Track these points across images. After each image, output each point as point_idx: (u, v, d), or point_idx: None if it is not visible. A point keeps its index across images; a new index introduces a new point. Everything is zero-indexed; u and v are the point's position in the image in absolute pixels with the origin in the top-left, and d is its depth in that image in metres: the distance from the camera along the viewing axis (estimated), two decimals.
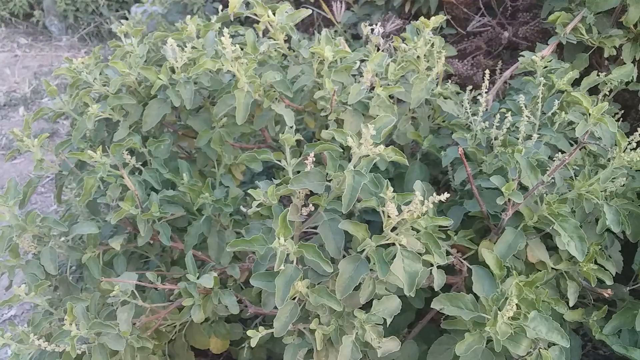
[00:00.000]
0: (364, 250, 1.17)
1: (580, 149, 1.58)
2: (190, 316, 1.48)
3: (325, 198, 1.19)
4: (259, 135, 2.24)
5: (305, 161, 1.19)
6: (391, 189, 1.08)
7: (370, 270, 1.20)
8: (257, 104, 1.64)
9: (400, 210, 1.09)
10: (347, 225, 1.14)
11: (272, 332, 1.27)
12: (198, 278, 1.41)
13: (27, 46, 5.64)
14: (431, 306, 1.38)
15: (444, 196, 1.07)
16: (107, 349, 1.33)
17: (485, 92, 1.65)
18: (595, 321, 1.66)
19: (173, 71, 1.63)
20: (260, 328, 1.23)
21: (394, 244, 1.18)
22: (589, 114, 1.44)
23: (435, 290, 1.42)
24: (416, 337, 1.72)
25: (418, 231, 1.18)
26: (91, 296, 1.47)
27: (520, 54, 1.88)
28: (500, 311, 1.32)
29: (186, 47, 1.67)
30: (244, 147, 1.85)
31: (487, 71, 1.66)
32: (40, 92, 4.65)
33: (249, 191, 1.23)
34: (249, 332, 1.22)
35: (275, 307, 1.31)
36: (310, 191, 1.26)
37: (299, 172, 1.22)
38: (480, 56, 2.71)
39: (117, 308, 1.43)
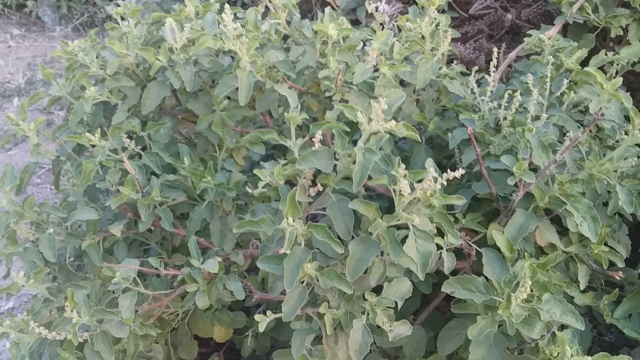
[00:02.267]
0: (373, 231, 1.13)
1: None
2: (193, 304, 1.44)
3: (334, 178, 1.15)
4: (260, 121, 2.20)
5: (313, 139, 1.15)
6: (403, 166, 1.04)
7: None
8: (259, 86, 1.60)
9: (412, 189, 1.06)
10: (357, 205, 1.10)
11: (277, 321, 1.23)
12: (202, 263, 1.37)
13: (20, 37, 5.56)
14: (441, 290, 1.35)
15: (459, 172, 1.03)
16: (110, 336, 1.30)
17: (494, 71, 1.61)
18: (606, 305, 1.63)
19: (172, 52, 1.58)
20: (268, 313, 1.20)
21: (405, 226, 1.15)
22: (603, 90, 1.40)
23: (446, 273, 1.39)
24: (422, 324, 1.69)
25: (430, 210, 1.15)
26: (92, 284, 1.43)
27: (527, 32, 1.84)
28: (513, 294, 1.28)
29: (185, 28, 1.62)
30: (244, 132, 1.81)
31: (494, 49, 1.62)
32: (35, 83, 4.59)
33: (254, 171, 1.19)
34: (257, 317, 1.19)
35: (282, 293, 1.27)
36: (317, 172, 1.22)
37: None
38: (482, 39, 2.67)
39: (118, 296, 1.39)
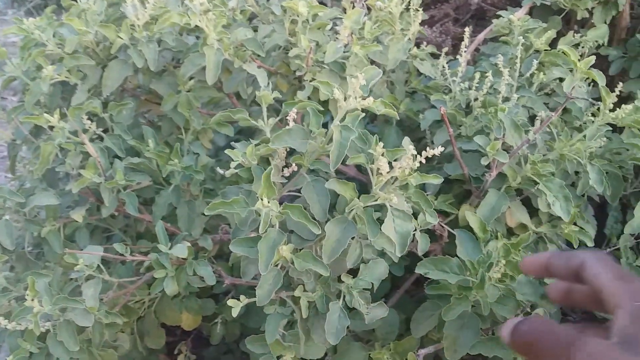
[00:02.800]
0: (350, 212, 1.10)
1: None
2: (160, 291, 1.39)
3: (308, 158, 1.12)
4: (227, 104, 2.14)
5: (287, 118, 1.11)
6: (381, 144, 1.01)
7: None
8: (226, 67, 1.54)
9: (390, 167, 1.03)
10: (334, 185, 1.07)
11: (247, 307, 1.20)
12: (170, 249, 1.31)
13: None
14: (416, 271, 1.33)
15: (438, 150, 1.01)
16: (74, 325, 1.23)
17: (465, 51, 1.59)
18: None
19: (134, 30, 1.51)
20: (241, 297, 1.16)
21: (377, 209, 1.12)
22: (576, 68, 1.40)
23: (420, 255, 1.37)
24: (393, 307, 1.68)
25: (405, 191, 1.12)
26: (52, 272, 1.36)
27: (497, 13, 1.84)
28: (487, 274, 1.28)
29: (147, 5, 1.55)
30: (211, 114, 1.75)
31: (466, 29, 1.60)
32: None
33: (226, 151, 1.14)
34: (230, 302, 1.15)
35: (254, 278, 1.23)
36: (290, 152, 1.18)
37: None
38: (449, 23, 2.67)
39: (81, 284, 1.33)
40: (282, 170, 1.14)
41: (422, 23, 2.40)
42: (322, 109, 1.18)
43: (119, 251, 1.32)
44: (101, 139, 1.54)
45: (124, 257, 1.34)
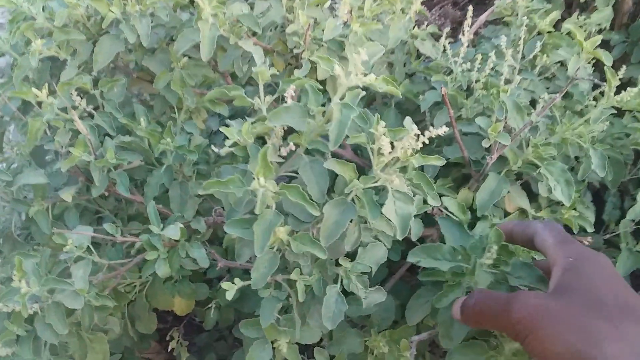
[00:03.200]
0: (349, 194, 1.06)
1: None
2: (151, 274, 1.35)
3: (306, 137, 1.08)
4: (221, 84, 2.09)
5: (285, 95, 1.07)
6: (383, 123, 0.97)
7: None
8: (221, 45, 1.50)
9: (391, 147, 0.99)
10: (333, 165, 1.03)
11: (241, 292, 1.16)
12: (162, 230, 1.27)
13: None
14: (407, 259, 1.29)
15: (442, 130, 0.98)
16: (63, 307, 1.19)
17: (467, 31, 1.55)
18: None
19: (126, 4, 1.46)
20: (236, 280, 1.12)
21: (380, 189, 1.09)
22: (582, 49, 1.37)
23: (413, 240, 1.34)
24: (389, 293, 1.65)
25: (407, 172, 1.09)
26: (40, 253, 1.32)
27: None
28: (479, 259, 1.25)
29: None
30: (205, 95, 1.70)
31: (470, 8, 1.56)
32: None
33: (220, 129, 1.10)
34: (224, 285, 1.11)
35: (249, 261, 1.20)
36: (287, 132, 1.14)
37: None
38: (447, 6, 2.63)
39: (70, 265, 1.29)
40: (279, 150, 1.10)
41: (421, 4, 2.37)
42: (320, 87, 1.14)
43: (109, 232, 1.27)
44: (91, 116, 1.49)
45: (115, 238, 1.29)
